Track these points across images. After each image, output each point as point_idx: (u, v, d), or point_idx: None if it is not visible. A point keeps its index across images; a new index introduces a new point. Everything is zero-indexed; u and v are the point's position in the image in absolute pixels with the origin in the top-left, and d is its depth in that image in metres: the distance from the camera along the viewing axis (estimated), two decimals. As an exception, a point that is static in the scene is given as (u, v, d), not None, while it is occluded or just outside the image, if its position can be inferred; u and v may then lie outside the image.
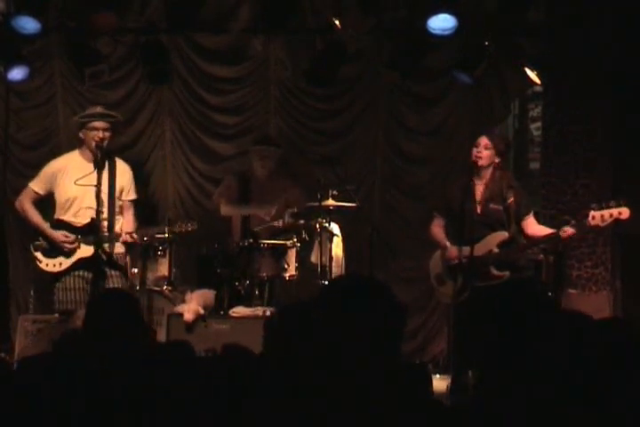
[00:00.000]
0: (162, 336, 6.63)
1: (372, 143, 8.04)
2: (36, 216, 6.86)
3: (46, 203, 6.91)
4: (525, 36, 7.57)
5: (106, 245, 6.61)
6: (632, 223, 6.31)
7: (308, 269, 7.14)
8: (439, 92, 7.94)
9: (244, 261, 7.04)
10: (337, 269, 7.12)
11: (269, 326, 3.41)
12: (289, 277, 7.09)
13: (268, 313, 6.68)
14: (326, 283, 6.82)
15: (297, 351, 2.99)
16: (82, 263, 6.69)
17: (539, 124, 8.81)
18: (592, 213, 6.16)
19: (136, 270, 7.02)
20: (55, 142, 7.94)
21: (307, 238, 7.15)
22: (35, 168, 7.15)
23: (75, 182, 6.64)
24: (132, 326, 3.63)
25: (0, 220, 7.92)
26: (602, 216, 6.16)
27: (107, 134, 6.72)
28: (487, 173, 6.45)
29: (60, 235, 6.73)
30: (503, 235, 6.40)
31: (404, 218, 7.99)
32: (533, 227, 6.47)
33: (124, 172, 6.89)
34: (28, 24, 7.16)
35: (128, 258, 6.91)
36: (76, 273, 6.72)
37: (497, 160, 6.44)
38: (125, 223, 6.86)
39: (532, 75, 7.40)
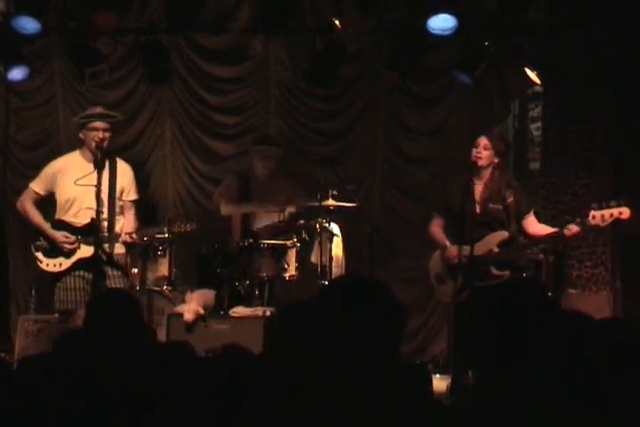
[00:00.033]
0: (162, 336, 6.62)
1: (372, 143, 8.03)
2: (37, 216, 6.87)
3: (47, 203, 6.92)
4: (525, 36, 7.57)
5: (106, 246, 6.63)
6: (632, 223, 6.32)
7: (307, 269, 7.14)
8: (439, 92, 7.93)
9: (244, 261, 7.04)
10: (337, 269, 7.12)
11: (269, 326, 3.40)
12: (289, 277, 7.09)
13: (268, 313, 6.68)
14: (326, 283, 6.82)
15: (297, 351, 2.99)
16: (82, 263, 6.70)
17: (539, 124, 8.80)
18: (592, 212, 6.17)
19: (136, 270, 7.02)
20: (55, 143, 7.94)
21: (307, 238, 7.14)
22: (35, 168, 7.16)
23: (75, 183, 6.65)
24: (133, 326, 3.63)
25: (0, 220, 7.92)
26: (602, 216, 6.17)
27: (107, 135, 6.73)
28: (487, 173, 6.46)
29: (60, 235, 6.74)
30: (503, 234, 6.41)
31: (404, 218, 7.98)
32: (534, 226, 6.48)
33: (124, 172, 6.89)
34: (28, 24, 7.16)
35: (128, 258, 6.92)
36: (77, 273, 6.73)
37: (496, 160, 6.45)
38: (126, 223, 6.86)
39: (531, 75, 7.40)
